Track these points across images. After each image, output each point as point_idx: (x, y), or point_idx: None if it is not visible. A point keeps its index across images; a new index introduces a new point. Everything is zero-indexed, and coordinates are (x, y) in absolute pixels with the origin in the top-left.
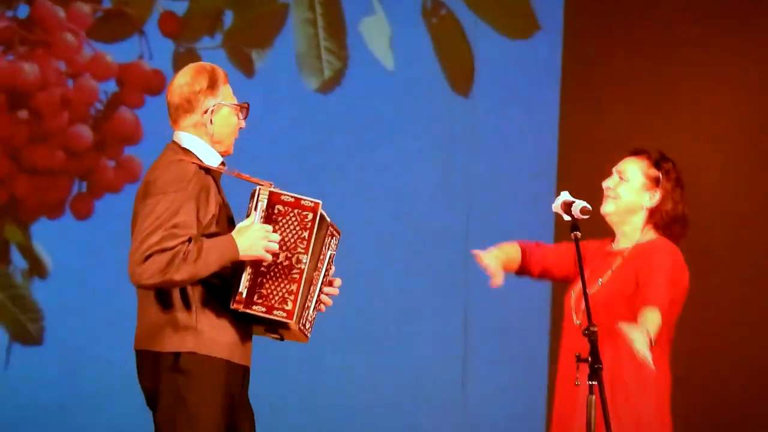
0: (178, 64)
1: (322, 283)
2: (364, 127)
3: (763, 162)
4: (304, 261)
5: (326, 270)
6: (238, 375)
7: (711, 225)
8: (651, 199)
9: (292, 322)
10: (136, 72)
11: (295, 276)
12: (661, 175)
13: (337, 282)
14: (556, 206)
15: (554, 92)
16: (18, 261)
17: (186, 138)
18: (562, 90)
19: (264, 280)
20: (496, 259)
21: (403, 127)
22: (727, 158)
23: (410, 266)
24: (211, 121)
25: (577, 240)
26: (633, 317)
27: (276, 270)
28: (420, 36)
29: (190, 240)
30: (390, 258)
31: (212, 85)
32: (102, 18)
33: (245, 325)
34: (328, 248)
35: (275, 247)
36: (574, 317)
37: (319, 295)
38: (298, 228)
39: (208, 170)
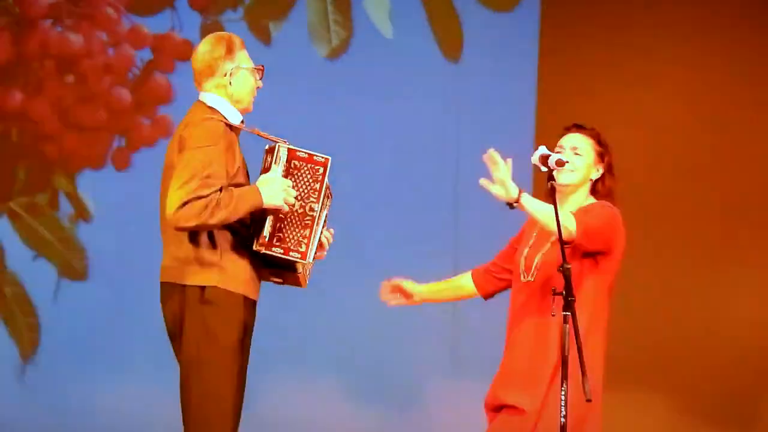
0: (204, 35)
1: (319, 237)
2: (367, 88)
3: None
4: (316, 209)
5: (323, 226)
6: (250, 308)
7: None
8: (596, 172)
9: (305, 263)
10: (168, 42)
11: (307, 222)
12: (603, 150)
13: (331, 232)
14: (535, 159)
15: (533, 58)
16: (65, 207)
17: (210, 98)
18: (539, 56)
19: (282, 226)
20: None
21: (400, 89)
22: (692, 123)
23: (404, 207)
24: (230, 82)
25: (553, 188)
26: (580, 270)
27: (292, 217)
28: (415, 8)
29: (221, 189)
30: (386, 201)
31: (230, 51)
32: None
33: (258, 266)
34: (326, 208)
35: (293, 199)
36: (522, 276)
37: (316, 248)
38: (311, 180)
39: (231, 127)
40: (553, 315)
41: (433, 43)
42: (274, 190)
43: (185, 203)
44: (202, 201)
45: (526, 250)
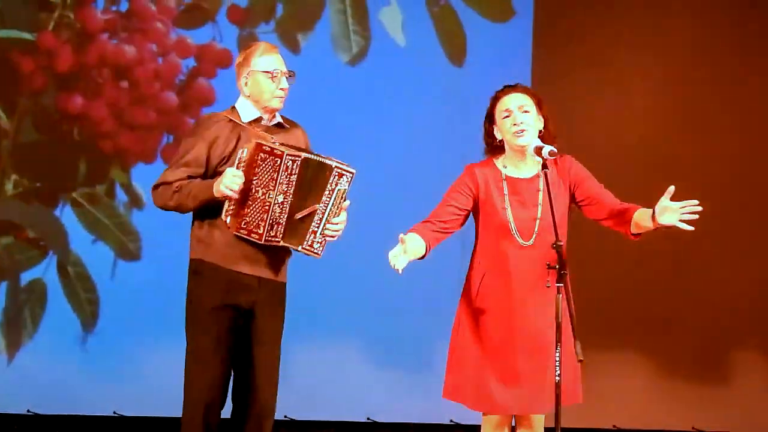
0: (241, 45)
1: (329, 214)
2: (383, 90)
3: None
4: (273, 196)
5: (333, 203)
6: (243, 282)
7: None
8: (540, 121)
9: (261, 242)
10: (210, 51)
11: (266, 207)
12: (538, 98)
13: (343, 215)
14: (530, 150)
15: (527, 63)
16: (121, 196)
17: (237, 99)
18: (533, 61)
19: (248, 211)
20: (406, 260)
21: (412, 90)
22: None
23: (415, 192)
24: (246, 84)
25: (546, 175)
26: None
27: (255, 203)
28: (424, 19)
29: (189, 177)
30: (399, 187)
31: (246, 59)
32: (184, 10)
33: (252, 243)
34: (336, 185)
35: (236, 186)
36: (519, 238)
37: (326, 224)
38: (271, 171)
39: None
40: (548, 286)
41: (440, 49)
42: (222, 181)
43: (156, 187)
44: (167, 186)
45: (510, 211)
